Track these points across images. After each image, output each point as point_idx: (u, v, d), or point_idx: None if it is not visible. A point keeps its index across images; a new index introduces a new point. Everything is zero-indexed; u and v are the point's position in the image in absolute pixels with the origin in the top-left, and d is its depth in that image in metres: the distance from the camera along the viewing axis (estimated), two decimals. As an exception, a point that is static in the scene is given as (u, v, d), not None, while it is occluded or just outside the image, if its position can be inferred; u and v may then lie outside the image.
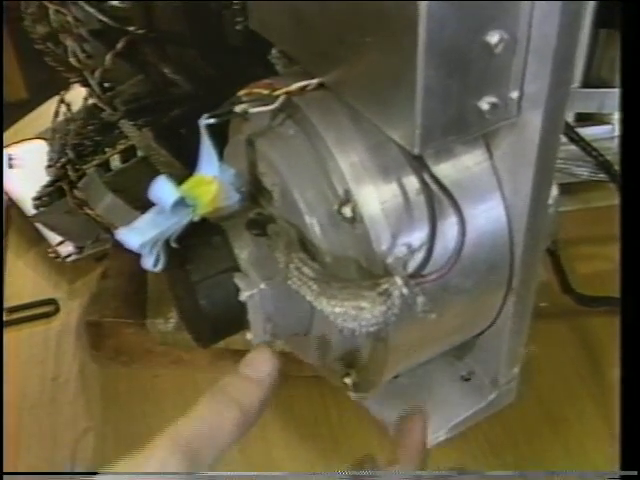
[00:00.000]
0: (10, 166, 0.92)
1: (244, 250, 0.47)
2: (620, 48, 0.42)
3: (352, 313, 0.39)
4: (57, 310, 0.85)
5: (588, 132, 0.76)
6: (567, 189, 0.68)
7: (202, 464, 0.41)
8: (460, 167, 0.44)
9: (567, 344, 0.80)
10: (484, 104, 0.39)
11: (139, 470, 0.40)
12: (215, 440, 0.42)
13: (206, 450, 0.41)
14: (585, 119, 0.81)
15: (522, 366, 0.53)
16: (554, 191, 0.49)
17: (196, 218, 0.44)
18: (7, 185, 0.90)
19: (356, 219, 0.42)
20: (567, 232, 0.79)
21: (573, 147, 0.70)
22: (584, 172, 0.73)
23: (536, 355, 0.54)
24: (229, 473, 0.46)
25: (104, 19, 0.60)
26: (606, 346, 0.78)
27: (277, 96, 0.45)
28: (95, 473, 0.44)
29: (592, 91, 0.77)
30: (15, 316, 0.84)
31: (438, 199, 0.42)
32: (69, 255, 0.83)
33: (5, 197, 0.91)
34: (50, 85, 0.76)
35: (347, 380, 0.50)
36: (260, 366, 0.45)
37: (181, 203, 0.43)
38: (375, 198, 0.42)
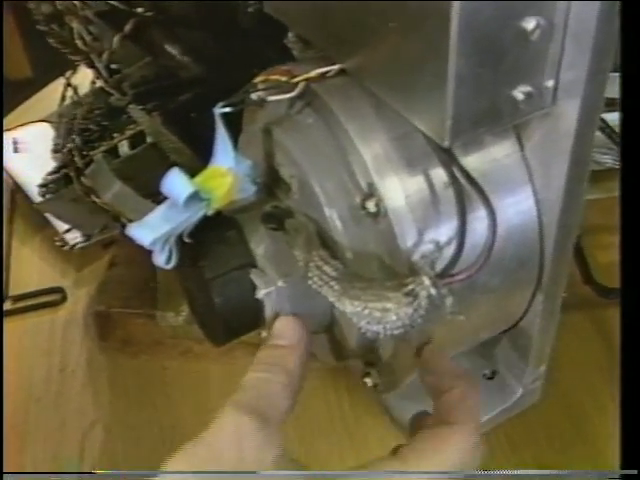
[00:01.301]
0: (15, 150, 0.90)
1: (260, 245, 0.45)
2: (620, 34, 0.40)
3: (377, 315, 0.37)
4: (64, 298, 0.83)
5: (613, 117, 0.74)
6: (590, 177, 0.66)
7: (272, 424, 0.41)
8: (489, 159, 0.42)
9: (588, 336, 0.77)
10: (518, 93, 0.37)
11: (217, 437, 0.40)
12: (274, 401, 0.42)
13: (271, 411, 0.41)
14: (610, 104, 0.78)
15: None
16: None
17: (210, 212, 0.42)
18: (12, 170, 0.88)
19: (380, 214, 0.40)
20: (590, 221, 0.77)
21: (597, 134, 0.68)
22: (608, 160, 0.71)
23: (556, 347, 0.52)
24: (236, 472, 0.45)
25: (111, 1, 0.58)
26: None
27: (296, 83, 0.43)
28: (95, 473, 0.43)
29: (618, 75, 0.75)
30: (21, 304, 0.82)
31: (466, 193, 0.40)
32: (76, 243, 0.80)
33: (10, 182, 0.89)
34: (56, 63, 0.74)
35: (367, 380, 0.49)
36: (288, 333, 0.44)
37: (195, 197, 0.41)
38: (400, 192, 0.39)
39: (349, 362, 0.50)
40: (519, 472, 0.65)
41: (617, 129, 0.69)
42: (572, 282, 0.77)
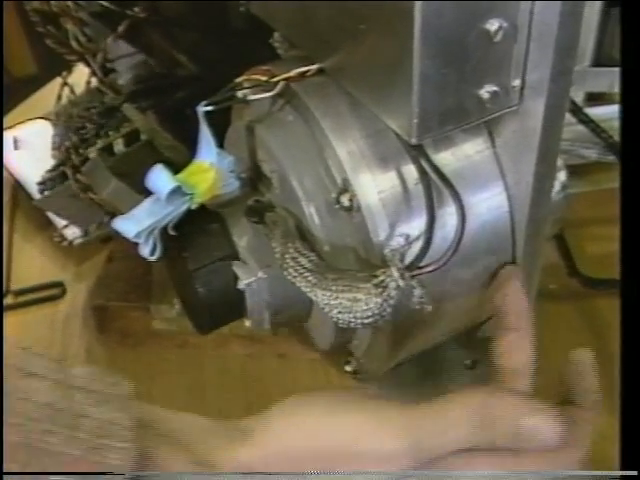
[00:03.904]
0: (15, 147, 0.92)
1: (242, 237, 0.47)
2: (620, 29, 0.41)
3: (347, 305, 0.39)
4: (64, 293, 0.85)
5: (598, 112, 0.75)
6: (576, 170, 0.67)
7: None
8: (461, 155, 0.43)
9: (574, 327, 0.78)
10: (484, 93, 0.38)
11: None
12: None
13: None
14: (595, 98, 0.79)
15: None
16: (562, 177, 0.48)
17: (194, 206, 0.44)
18: (13, 167, 0.90)
19: (354, 208, 0.41)
20: (576, 214, 0.78)
21: (582, 128, 0.69)
22: (593, 154, 0.72)
23: (542, 337, 0.53)
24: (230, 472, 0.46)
25: (105, 3, 0.60)
26: (613, 328, 0.77)
27: (275, 82, 0.44)
28: (100, 473, 0.44)
29: (603, 70, 0.76)
30: (22, 299, 0.84)
31: (438, 188, 0.41)
32: (75, 239, 0.82)
33: (11, 179, 0.91)
34: (60, 60, 0.75)
35: (348, 368, 0.50)
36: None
37: (177, 192, 0.43)
38: (373, 188, 0.41)
39: (331, 350, 0.51)
40: (517, 472, 0.66)
41: (602, 123, 0.70)
42: (560, 274, 0.79)
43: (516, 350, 0.43)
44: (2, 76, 0.99)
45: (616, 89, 0.77)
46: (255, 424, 0.41)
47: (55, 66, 0.82)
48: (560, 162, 0.47)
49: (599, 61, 0.75)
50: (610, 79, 0.76)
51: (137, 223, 0.43)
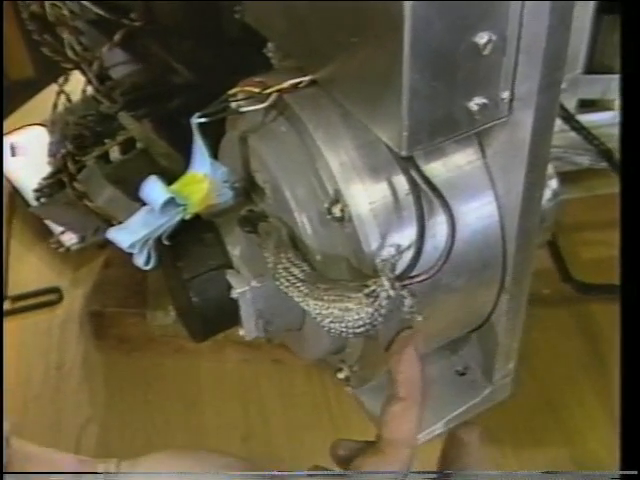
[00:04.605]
0: (13, 154, 0.92)
1: (236, 247, 0.48)
2: (620, 34, 0.42)
3: (339, 314, 0.39)
4: (61, 298, 0.85)
5: (591, 118, 0.76)
6: (569, 177, 0.68)
7: None
8: (451, 166, 0.44)
9: (568, 331, 0.79)
10: (473, 105, 0.38)
11: None
12: None
13: None
14: (588, 105, 0.80)
15: (523, 353, 0.53)
16: (553, 184, 0.49)
17: (187, 217, 0.45)
18: (10, 173, 0.90)
19: (345, 219, 0.42)
20: (570, 219, 0.79)
21: (574, 135, 0.70)
22: (585, 160, 0.73)
23: (537, 342, 0.53)
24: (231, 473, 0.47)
25: (100, 12, 0.60)
26: (607, 333, 0.78)
27: (268, 94, 0.45)
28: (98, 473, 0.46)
29: (596, 77, 0.77)
30: (19, 304, 0.84)
31: (428, 199, 0.42)
32: (71, 245, 0.83)
33: (8, 185, 0.91)
34: (57, 63, 0.76)
35: (340, 375, 0.51)
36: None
37: (171, 202, 0.43)
38: (364, 198, 0.41)
39: (326, 358, 0.52)
40: (519, 473, 0.66)
41: (594, 130, 0.71)
42: (554, 279, 0.80)
43: (400, 420, 0.44)
44: (2, 79, 1.00)
45: (609, 96, 0.78)
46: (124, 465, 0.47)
47: (53, 69, 0.82)
48: (551, 170, 0.48)
49: (591, 68, 0.76)
50: (602, 86, 0.77)
51: (131, 233, 0.43)
